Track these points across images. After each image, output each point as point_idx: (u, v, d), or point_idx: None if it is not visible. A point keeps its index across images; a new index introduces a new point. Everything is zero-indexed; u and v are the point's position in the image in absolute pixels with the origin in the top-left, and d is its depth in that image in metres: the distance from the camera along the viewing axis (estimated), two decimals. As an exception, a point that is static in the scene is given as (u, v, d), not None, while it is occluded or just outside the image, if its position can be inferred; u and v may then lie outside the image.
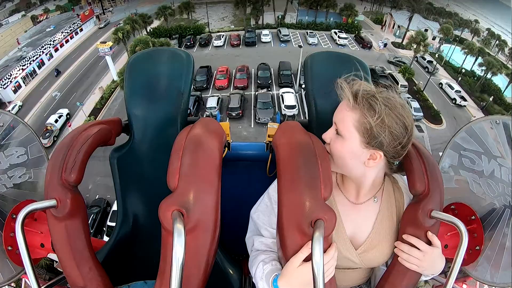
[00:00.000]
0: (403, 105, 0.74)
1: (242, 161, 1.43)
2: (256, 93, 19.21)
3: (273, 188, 0.87)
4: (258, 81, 20.18)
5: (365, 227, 0.85)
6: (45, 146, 17.91)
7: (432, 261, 0.77)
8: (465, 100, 19.24)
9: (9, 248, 0.92)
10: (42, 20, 27.68)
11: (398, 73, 21.20)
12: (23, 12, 25.53)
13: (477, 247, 0.93)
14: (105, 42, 20.78)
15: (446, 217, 0.76)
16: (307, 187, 0.69)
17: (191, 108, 16.78)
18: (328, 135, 0.81)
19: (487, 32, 23.29)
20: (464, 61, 21.94)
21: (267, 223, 0.85)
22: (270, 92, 19.23)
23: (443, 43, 23.75)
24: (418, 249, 0.77)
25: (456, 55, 22.96)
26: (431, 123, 17.50)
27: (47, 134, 16.54)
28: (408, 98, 18.40)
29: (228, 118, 17.15)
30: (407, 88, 19.56)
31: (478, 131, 0.98)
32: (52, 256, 0.99)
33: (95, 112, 18.44)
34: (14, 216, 0.94)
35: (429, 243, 0.78)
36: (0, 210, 0.98)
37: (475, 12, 23.77)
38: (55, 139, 16.62)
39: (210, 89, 20.02)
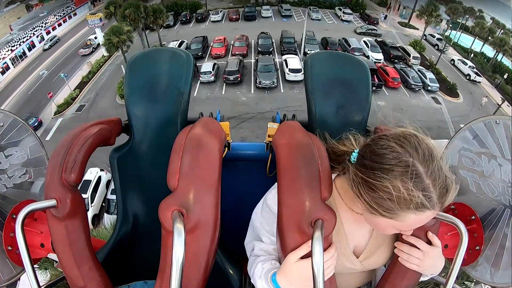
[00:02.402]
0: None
1: (242, 161, 1.43)
2: (257, 57, 17.71)
3: (271, 199, 0.84)
4: (259, 49, 18.82)
5: (364, 234, 0.83)
6: (84, 54, 19.07)
7: (432, 260, 0.77)
8: (479, 75, 18.68)
9: (9, 248, 0.92)
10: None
11: (409, 46, 21.01)
12: (18, 3, 24.90)
13: (477, 247, 0.93)
14: (95, 13, 20.35)
15: (446, 217, 0.76)
16: (307, 187, 0.69)
17: None
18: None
19: (491, 21, 23.04)
20: (473, 42, 21.52)
21: (269, 231, 0.84)
22: (272, 56, 17.97)
23: (450, 26, 23.29)
24: (418, 248, 0.77)
25: (464, 40, 22.65)
26: (448, 96, 17.22)
27: (87, 46, 21.47)
28: (422, 69, 18.24)
29: (225, 84, 15.94)
30: (419, 60, 19.26)
31: (478, 131, 0.98)
32: (52, 256, 0.99)
33: (81, 86, 18.12)
34: (14, 216, 0.94)
35: (429, 243, 0.78)
36: (0, 210, 0.98)
37: (475, 7, 23.75)
38: (93, 50, 21.42)
39: (206, 58, 19.00)
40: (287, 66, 16.53)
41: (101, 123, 0.99)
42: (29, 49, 22.12)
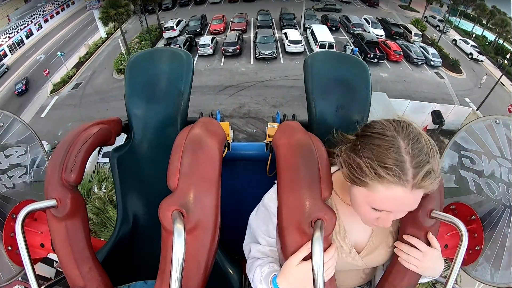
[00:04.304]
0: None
1: (242, 161, 1.43)
2: (256, 31, 17.78)
3: (268, 198, 0.85)
4: (258, 24, 18.93)
5: (365, 230, 0.84)
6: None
7: (431, 262, 0.77)
8: (482, 54, 18.53)
9: (9, 248, 0.92)
10: (35, 2, 26.89)
11: (410, 24, 21.01)
12: (15, -2, 24.98)
13: (477, 247, 0.93)
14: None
15: (446, 217, 0.76)
16: (307, 187, 0.69)
17: (182, 46, 15.89)
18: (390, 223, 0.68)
19: (492, 8, 22.85)
20: (473, 26, 21.39)
21: (265, 232, 0.84)
22: (271, 29, 18.12)
23: (450, 9, 22.89)
24: (418, 249, 0.77)
25: (465, 26, 22.50)
26: (451, 71, 17.05)
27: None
28: (423, 45, 18.20)
29: (223, 56, 16.08)
30: (420, 38, 19.24)
31: (478, 131, 0.98)
32: (52, 256, 0.99)
33: (78, 66, 18.19)
34: (14, 216, 0.94)
35: (429, 244, 0.78)
36: (0, 210, 0.98)
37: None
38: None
39: (205, 35, 19.08)
40: (287, 38, 16.63)
41: (101, 123, 0.99)
42: (27, 37, 21.91)
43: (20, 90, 15.59)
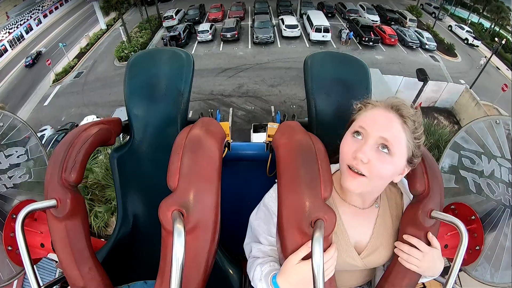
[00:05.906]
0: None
1: (242, 161, 1.43)
2: (253, 17, 18.37)
3: (268, 197, 0.85)
4: (255, 11, 19.47)
5: (366, 231, 0.84)
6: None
7: (431, 262, 0.77)
8: (477, 39, 18.66)
9: (9, 248, 0.92)
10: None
11: (405, 10, 21.08)
12: (15, -4, 24.97)
13: (477, 247, 0.93)
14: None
15: (446, 217, 0.76)
16: (307, 187, 0.69)
17: (182, 33, 16.41)
18: (368, 153, 0.69)
19: None
20: (469, 14, 21.52)
21: (266, 232, 0.85)
22: (268, 15, 18.76)
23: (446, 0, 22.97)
24: (418, 249, 0.77)
25: (461, 14, 22.56)
26: (446, 55, 17.14)
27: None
28: (418, 30, 18.29)
29: (222, 42, 16.60)
30: (416, 23, 19.35)
31: (478, 131, 0.98)
32: (52, 256, 0.99)
33: (79, 56, 18.54)
34: (14, 216, 0.94)
35: (429, 244, 0.78)
36: (0, 210, 0.98)
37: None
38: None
39: (203, 23, 19.43)
40: (283, 23, 17.12)
41: (101, 123, 0.99)
42: (27, 32, 22.19)
43: (28, 63, 17.36)
